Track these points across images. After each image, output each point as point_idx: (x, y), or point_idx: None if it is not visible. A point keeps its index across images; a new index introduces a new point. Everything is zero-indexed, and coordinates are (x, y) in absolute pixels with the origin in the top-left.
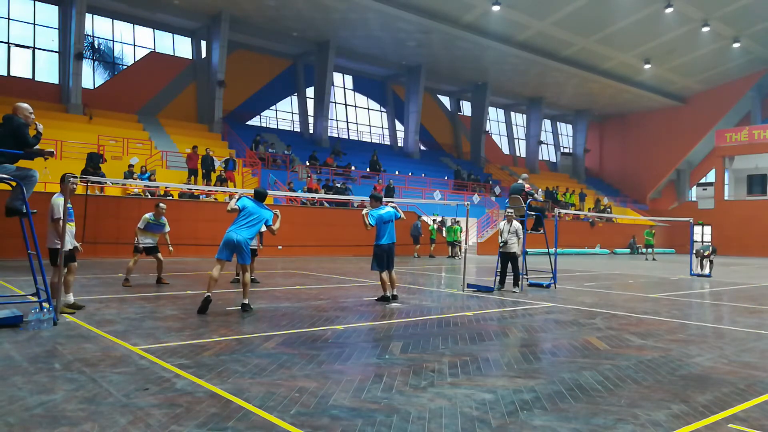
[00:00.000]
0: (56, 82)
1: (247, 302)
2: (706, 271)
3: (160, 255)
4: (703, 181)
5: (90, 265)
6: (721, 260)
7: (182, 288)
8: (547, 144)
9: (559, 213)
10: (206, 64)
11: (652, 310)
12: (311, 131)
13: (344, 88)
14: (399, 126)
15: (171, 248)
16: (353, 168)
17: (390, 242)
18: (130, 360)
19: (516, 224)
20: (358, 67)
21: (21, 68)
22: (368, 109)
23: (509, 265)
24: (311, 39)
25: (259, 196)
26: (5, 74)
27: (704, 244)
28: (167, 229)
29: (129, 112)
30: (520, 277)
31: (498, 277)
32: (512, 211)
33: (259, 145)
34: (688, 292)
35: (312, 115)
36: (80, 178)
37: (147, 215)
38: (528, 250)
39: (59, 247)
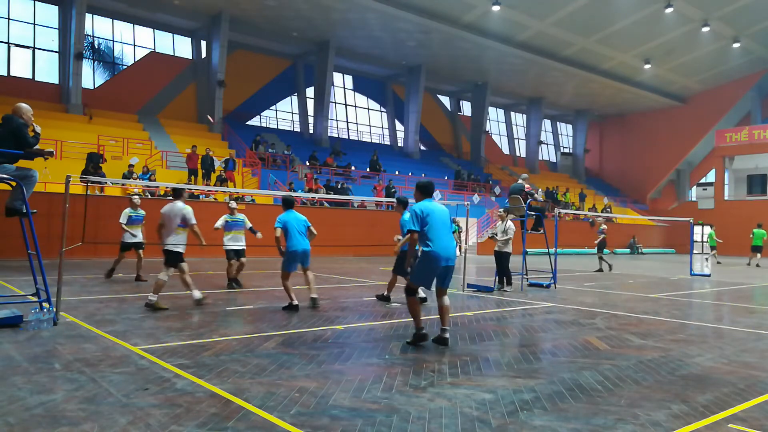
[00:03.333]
0: (56, 82)
1: (316, 296)
2: (707, 271)
3: (142, 252)
4: (703, 181)
5: (90, 265)
6: (721, 260)
7: (182, 288)
8: (547, 144)
9: (559, 213)
10: (206, 64)
11: (652, 310)
12: (311, 131)
13: (344, 88)
14: (399, 126)
15: (141, 238)
16: (353, 168)
17: None
18: (130, 360)
19: (508, 224)
20: (358, 67)
21: (21, 68)
22: (368, 109)
23: (506, 264)
24: (311, 39)
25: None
26: (5, 74)
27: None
28: (143, 220)
29: (129, 112)
30: (511, 276)
31: (497, 277)
32: (502, 210)
33: (259, 145)
34: (688, 292)
35: (312, 115)
36: (80, 177)
37: (126, 210)
38: (528, 250)
39: (181, 250)
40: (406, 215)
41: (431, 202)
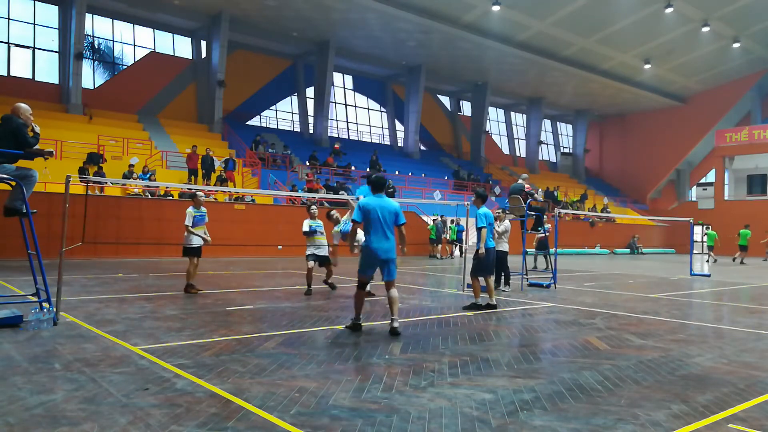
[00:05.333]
0: (56, 82)
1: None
2: (706, 270)
3: (196, 260)
4: (703, 181)
5: (90, 265)
6: (721, 260)
7: (182, 288)
8: (547, 144)
9: (559, 213)
10: (206, 64)
11: (652, 310)
12: (311, 131)
13: (344, 88)
14: (399, 126)
15: (209, 239)
16: (353, 168)
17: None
18: (130, 360)
19: (505, 223)
20: (358, 67)
21: (21, 68)
22: (368, 109)
23: (505, 264)
24: (311, 39)
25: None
26: (5, 74)
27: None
28: (207, 219)
29: (129, 112)
30: (510, 276)
31: (495, 277)
32: (500, 211)
33: (258, 145)
34: (688, 292)
35: (312, 115)
36: (80, 177)
37: (189, 209)
38: (528, 250)
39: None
40: (482, 209)
41: (381, 198)
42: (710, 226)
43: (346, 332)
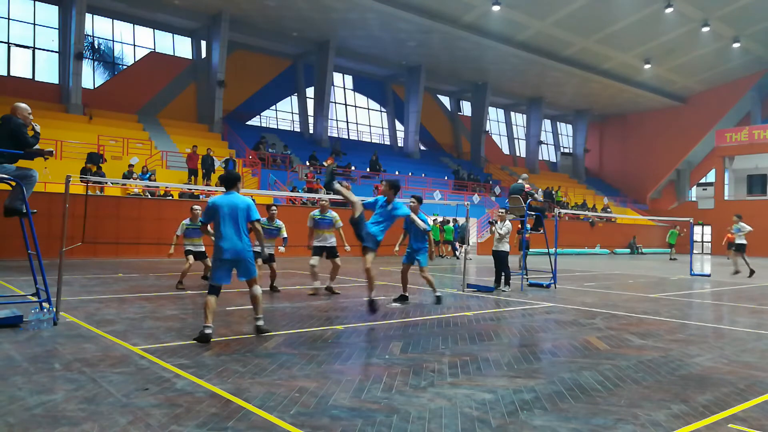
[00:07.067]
0: (56, 82)
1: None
2: (707, 270)
3: (208, 261)
4: (703, 181)
5: (90, 265)
6: (721, 260)
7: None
8: (547, 144)
9: (559, 213)
10: (206, 64)
11: (652, 310)
12: (311, 131)
13: (344, 88)
14: (399, 126)
15: (200, 249)
16: (353, 168)
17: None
18: (130, 360)
19: (507, 224)
20: (358, 67)
21: (21, 68)
22: (368, 109)
23: (505, 264)
24: (311, 39)
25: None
26: (5, 74)
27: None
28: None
29: (129, 112)
30: (510, 275)
31: (495, 277)
32: (503, 211)
33: (260, 145)
34: (688, 292)
35: (312, 115)
36: (81, 177)
37: (185, 221)
38: (528, 250)
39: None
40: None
41: (231, 195)
42: (677, 226)
43: (345, 332)
